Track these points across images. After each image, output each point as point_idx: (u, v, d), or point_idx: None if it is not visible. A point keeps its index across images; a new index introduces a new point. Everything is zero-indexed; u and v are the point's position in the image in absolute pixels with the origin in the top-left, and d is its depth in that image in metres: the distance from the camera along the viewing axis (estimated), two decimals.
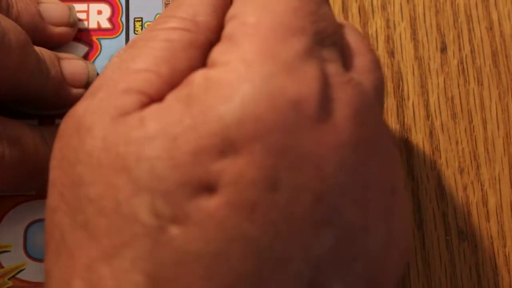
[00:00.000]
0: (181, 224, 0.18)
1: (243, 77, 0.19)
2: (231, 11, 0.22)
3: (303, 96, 0.19)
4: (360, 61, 0.22)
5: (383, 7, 0.32)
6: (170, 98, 0.20)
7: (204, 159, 0.18)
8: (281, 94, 0.19)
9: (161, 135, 0.19)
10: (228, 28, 0.21)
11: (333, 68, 0.20)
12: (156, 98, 0.20)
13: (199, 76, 0.20)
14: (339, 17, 0.32)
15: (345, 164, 0.19)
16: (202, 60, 0.22)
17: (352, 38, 0.23)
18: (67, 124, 0.21)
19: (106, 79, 0.21)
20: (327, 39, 0.21)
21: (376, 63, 0.23)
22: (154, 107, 0.20)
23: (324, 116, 0.19)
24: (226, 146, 0.18)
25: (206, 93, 0.19)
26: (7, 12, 0.27)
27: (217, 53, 0.20)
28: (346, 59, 0.22)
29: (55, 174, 0.21)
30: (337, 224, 0.19)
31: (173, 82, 0.21)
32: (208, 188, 0.18)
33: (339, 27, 0.22)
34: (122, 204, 0.19)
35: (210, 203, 0.18)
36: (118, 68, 0.22)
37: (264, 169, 0.18)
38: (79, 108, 0.21)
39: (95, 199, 0.19)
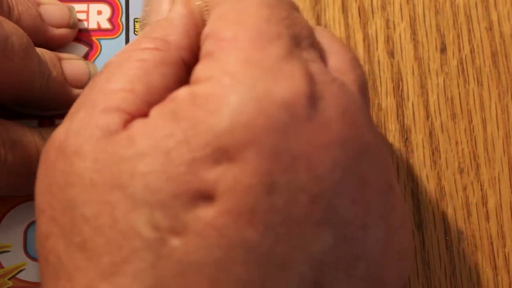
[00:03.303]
0: (181, 235, 0.18)
1: (229, 88, 0.19)
2: (206, 31, 0.22)
3: (291, 96, 0.19)
4: (338, 61, 0.22)
5: (383, 7, 0.32)
6: (154, 114, 0.20)
7: (198, 169, 0.18)
8: (269, 98, 0.19)
9: (153, 151, 0.19)
10: (206, 47, 0.21)
11: (317, 67, 0.21)
12: (135, 114, 0.21)
13: (183, 93, 0.20)
14: (339, 17, 0.32)
15: (338, 163, 0.19)
16: (175, 77, 0.22)
17: (325, 40, 0.23)
18: (49, 149, 0.21)
19: (83, 102, 0.22)
20: (304, 41, 0.21)
21: (355, 61, 0.23)
22: (140, 125, 0.20)
23: (313, 114, 0.19)
24: (220, 154, 0.18)
25: (193, 109, 0.19)
26: (8, 15, 0.27)
27: (199, 71, 0.21)
28: (324, 58, 0.22)
29: (43, 200, 0.21)
30: (335, 223, 0.19)
31: (149, 99, 0.21)
32: (205, 197, 0.18)
33: (312, 31, 0.23)
34: (119, 220, 0.19)
35: (209, 212, 0.18)
36: (94, 90, 0.22)
37: (259, 174, 0.18)
38: (60, 133, 0.21)
39: (90, 218, 0.19)
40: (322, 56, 0.22)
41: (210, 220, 0.18)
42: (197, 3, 0.24)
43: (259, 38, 0.20)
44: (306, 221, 0.19)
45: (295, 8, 0.23)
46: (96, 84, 0.22)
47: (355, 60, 0.23)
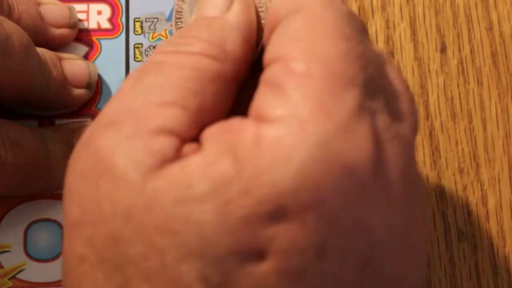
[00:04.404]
0: None
1: (298, 139, 0.18)
2: (273, 50, 0.20)
3: (359, 162, 0.18)
4: (400, 104, 0.21)
5: (383, 8, 0.32)
6: (212, 148, 0.19)
7: (256, 225, 0.17)
8: (338, 160, 0.18)
9: (212, 199, 0.18)
10: (273, 73, 0.20)
11: (382, 121, 0.19)
12: (186, 137, 0.19)
13: (249, 130, 0.19)
14: None
15: (395, 227, 0.19)
16: (227, 94, 0.21)
17: (392, 75, 0.21)
18: (88, 158, 0.19)
19: (131, 108, 0.20)
20: (374, 85, 0.20)
21: (413, 103, 0.22)
22: (197, 161, 0.18)
23: (377, 180, 0.19)
24: (280, 212, 0.18)
25: (258, 154, 0.18)
26: (9, 15, 0.27)
27: (265, 104, 0.19)
28: (389, 103, 0.21)
29: (78, 216, 0.19)
30: (380, 280, 0.19)
31: (200, 120, 0.20)
32: (257, 254, 0.18)
33: (382, 64, 0.21)
34: (168, 268, 0.18)
35: (259, 269, 0.18)
36: (143, 98, 0.20)
37: (315, 237, 0.18)
38: (103, 143, 0.19)
39: (136, 259, 0.18)
40: (389, 98, 0.21)
41: (259, 278, 0.17)
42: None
43: (334, 80, 0.19)
44: (354, 283, 0.18)
45: (365, 30, 0.21)
46: (144, 88, 0.20)
47: (413, 100, 0.22)
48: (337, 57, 0.19)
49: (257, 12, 0.22)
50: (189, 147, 0.19)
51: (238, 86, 0.22)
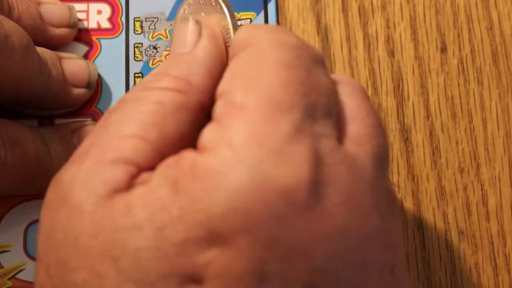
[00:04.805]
0: None
1: (229, 167, 0.18)
2: (221, 86, 0.21)
3: (292, 184, 0.18)
4: (357, 129, 0.21)
5: (383, 7, 0.32)
6: (157, 179, 0.19)
7: (190, 251, 0.18)
8: (269, 185, 0.18)
9: (148, 225, 0.18)
10: (217, 108, 0.20)
11: (326, 145, 0.20)
12: (145, 167, 0.20)
13: (188, 160, 0.19)
14: (339, 16, 0.32)
15: (337, 253, 0.19)
16: (192, 123, 0.21)
17: (349, 101, 0.22)
18: (54, 191, 0.20)
19: (94, 144, 0.21)
20: (319, 110, 0.20)
21: (376, 128, 0.22)
22: (141, 192, 0.19)
23: (314, 203, 0.18)
24: (213, 238, 0.18)
25: (192, 182, 0.19)
26: (9, 14, 0.27)
27: (206, 136, 0.20)
28: (341, 128, 0.21)
29: (43, 248, 0.20)
30: None
31: (162, 149, 0.21)
32: (194, 279, 0.18)
33: (333, 92, 0.21)
34: None
35: None
36: (106, 132, 0.21)
37: (251, 262, 0.18)
38: (67, 176, 0.20)
39: (80, 285, 0.19)
40: (340, 122, 0.21)
41: None
42: (218, 28, 0.23)
43: (269, 108, 0.19)
44: None
45: (319, 61, 0.22)
46: (109, 124, 0.21)
47: (377, 126, 0.22)
48: (275, 86, 0.20)
49: (225, 44, 0.24)
50: (144, 176, 0.20)
51: (208, 114, 0.22)
